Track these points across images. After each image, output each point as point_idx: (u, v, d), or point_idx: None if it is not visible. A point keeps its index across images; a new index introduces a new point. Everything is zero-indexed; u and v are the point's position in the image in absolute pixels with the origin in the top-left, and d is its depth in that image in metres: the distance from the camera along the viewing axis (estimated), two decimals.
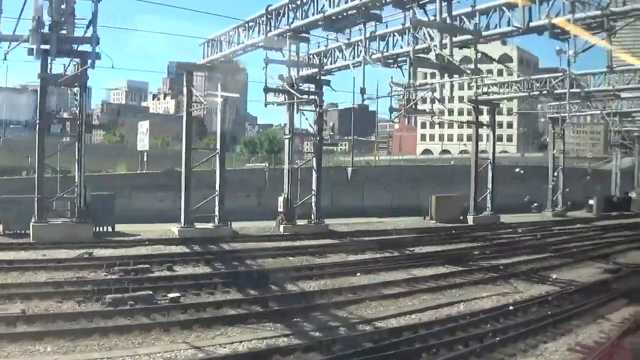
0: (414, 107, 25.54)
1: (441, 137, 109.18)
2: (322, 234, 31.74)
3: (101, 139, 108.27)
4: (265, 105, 29.09)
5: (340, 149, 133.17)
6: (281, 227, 32.79)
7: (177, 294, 17.78)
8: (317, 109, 34.00)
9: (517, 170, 53.51)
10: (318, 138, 34.81)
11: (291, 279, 20.73)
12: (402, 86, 24.21)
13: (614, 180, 56.18)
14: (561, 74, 36.21)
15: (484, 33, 22.68)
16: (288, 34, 25.44)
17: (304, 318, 16.11)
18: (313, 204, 34.28)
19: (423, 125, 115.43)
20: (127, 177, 39.78)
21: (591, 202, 50.35)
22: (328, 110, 39.68)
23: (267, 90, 28.56)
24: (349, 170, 39.52)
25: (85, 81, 27.53)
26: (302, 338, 14.20)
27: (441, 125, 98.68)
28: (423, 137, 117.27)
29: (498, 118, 44.88)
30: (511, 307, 17.28)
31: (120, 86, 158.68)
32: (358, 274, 22.09)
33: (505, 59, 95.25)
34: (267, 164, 46.42)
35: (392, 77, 26.89)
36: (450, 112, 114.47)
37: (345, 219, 37.27)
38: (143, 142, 47.53)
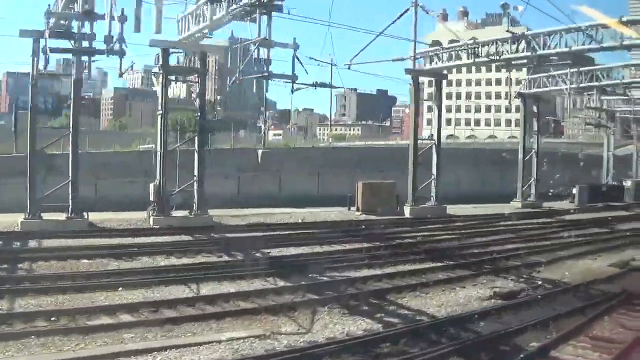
0: None
1: (448, 122, 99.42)
2: (198, 229, 24.70)
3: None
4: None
5: (351, 133, 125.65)
6: (152, 219, 25.88)
7: None
8: (198, 77, 26.87)
9: (504, 155, 44.97)
10: (199, 114, 27.39)
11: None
12: None
13: (605, 167, 46.53)
14: (510, 35, 27.76)
15: None
16: None
17: None
18: (195, 192, 26.96)
19: (429, 109, 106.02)
20: None
21: (575, 191, 41.12)
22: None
23: None
24: (260, 152, 31.94)
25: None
26: None
27: (448, 109, 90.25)
28: (429, 121, 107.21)
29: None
30: None
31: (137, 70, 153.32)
32: (120, 289, 14.81)
33: None
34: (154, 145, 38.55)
35: None
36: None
37: (254, 210, 29.94)
38: None
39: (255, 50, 20.73)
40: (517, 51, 28.06)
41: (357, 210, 31.09)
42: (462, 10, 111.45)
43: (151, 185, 26.64)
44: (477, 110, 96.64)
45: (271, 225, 26.36)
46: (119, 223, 25.44)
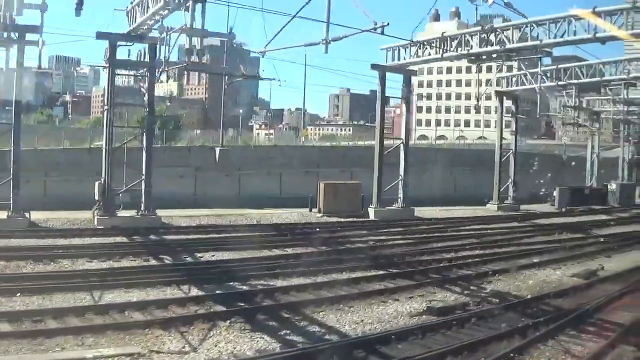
0: None
1: (438, 122, 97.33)
2: (142, 230, 23.02)
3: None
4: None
5: (341, 134, 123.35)
6: (96, 219, 24.16)
7: None
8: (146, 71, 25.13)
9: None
10: (147, 109, 25.60)
11: None
12: None
13: (588, 169, 44.49)
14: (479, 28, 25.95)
15: None
16: None
17: None
18: (142, 191, 25.16)
19: (419, 110, 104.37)
20: None
21: (555, 193, 39.13)
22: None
23: None
24: (217, 150, 30.24)
25: None
26: None
27: (438, 110, 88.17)
28: (419, 122, 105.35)
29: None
30: None
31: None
32: (18, 294, 13.30)
33: None
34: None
35: None
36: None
37: (209, 210, 28.13)
38: None
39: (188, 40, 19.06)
40: (486, 45, 26.20)
41: (319, 211, 29.21)
42: (454, 11, 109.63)
43: (96, 184, 24.95)
44: (467, 111, 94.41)
45: (220, 227, 24.61)
46: (63, 223, 23.96)
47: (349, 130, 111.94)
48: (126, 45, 26.12)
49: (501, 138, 36.58)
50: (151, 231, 23.17)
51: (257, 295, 14.35)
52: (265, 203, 30.13)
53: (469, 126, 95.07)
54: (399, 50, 29.88)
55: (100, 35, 24.75)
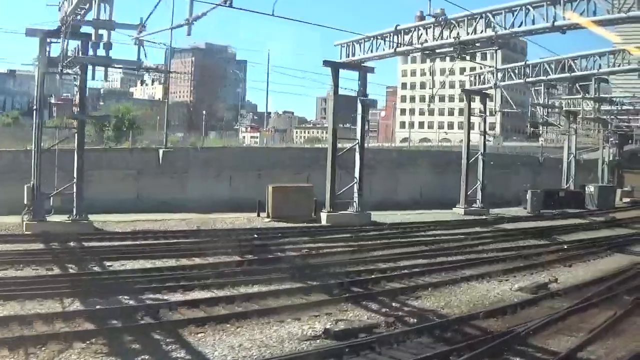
0: None
1: (421, 125, 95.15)
2: (72, 235, 21.19)
3: None
4: None
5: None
6: (25, 224, 22.46)
7: None
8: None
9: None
10: (78, 109, 23.67)
11: None
12: None
13: (565, 171, 42.44)
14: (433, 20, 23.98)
15: None
16: None
17: None
18: (74, 194, 23.22)
19: (402, 112, 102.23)
20: None
21: (528, 196, 37.12)
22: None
23: None
24: (161, 152, 28.24)
25: None
26: None
27: (421, 112, 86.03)
28: (402, 124, 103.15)
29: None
30: None
31: (117, 71, 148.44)
32: None
33: None
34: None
35: None
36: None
37: (151, 215, 26.21)
38: None
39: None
40: (441, 38, 24.23)
41: (268, 216, 27.16)
42: (439, 12, 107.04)
43: (25, 187, 23.08)
44: (450, 113, 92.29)
45: (152, 233, 22.79)
46: None
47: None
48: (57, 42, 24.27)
49: (468, 139, 34.57)
50: (76, 237, 21.18)
51: (138, 312, 12.34)
52: (214, 207, 28.09)
53: (452, 128, 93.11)
54: (353, 45, 27.91)
55: (30, 33, 23.00)
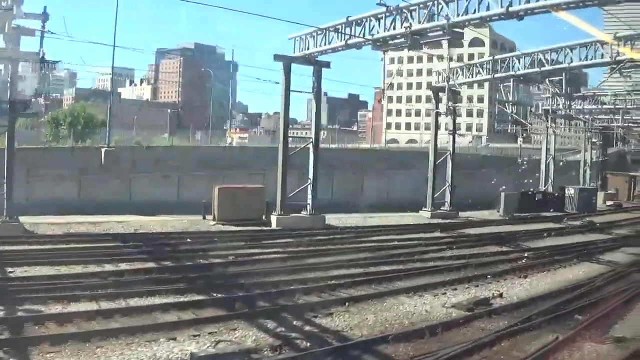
0: None
1: (408, 126, 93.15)
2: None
3: None
4: None
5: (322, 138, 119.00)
6: None
7: None
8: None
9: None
10: (8, 106, 21.99)
11: None
12: None
13: (543, 172, 40.58)
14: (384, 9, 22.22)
15: None
16: None
17: None
18: (4, 195, 21.58)
19: (389, 113, 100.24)
20: None
21: (501, 199, 35.27)
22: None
23: None
24: (103, 151, 26.54)
25: None
26: None
27: (408, 113, 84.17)
28: (389, 125, 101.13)
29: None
30: None
31: (108, 71, 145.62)
32: None
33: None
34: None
35: None
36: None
37: (91, 217, 24.57)
38: None
39: None
40: (394, 28, 22.45)
41: (214, 219, 25.38)
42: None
43: None
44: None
45: (82, 236, 21.04)
46: None
47: (324, 133, 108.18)
48: None
49: (436, 138, 32.84)
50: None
51: (1, 325, 10.71)
52: (160, 209, 26.32)
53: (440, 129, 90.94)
54: (306, 38, 26.11)
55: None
